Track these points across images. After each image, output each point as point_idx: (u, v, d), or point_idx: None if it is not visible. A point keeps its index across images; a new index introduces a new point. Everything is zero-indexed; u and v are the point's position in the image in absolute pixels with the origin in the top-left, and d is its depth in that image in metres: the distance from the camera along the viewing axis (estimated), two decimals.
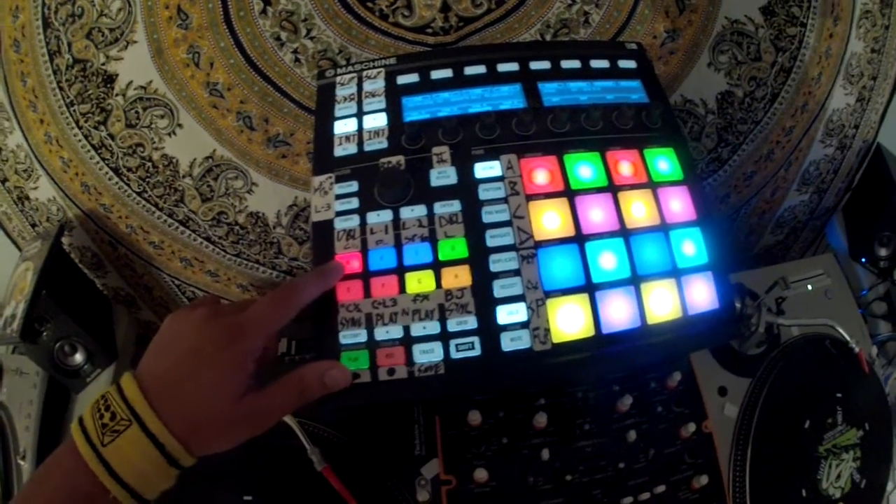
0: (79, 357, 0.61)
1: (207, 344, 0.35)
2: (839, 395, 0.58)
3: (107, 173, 0.63)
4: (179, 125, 0.60)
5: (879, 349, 0.65)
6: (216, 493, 0.48)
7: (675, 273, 0.44)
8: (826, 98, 0.66)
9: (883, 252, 0.67)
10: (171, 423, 0.33)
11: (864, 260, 0.68)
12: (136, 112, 0.61)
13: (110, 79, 0.61)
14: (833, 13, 0.64)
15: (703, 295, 0.44)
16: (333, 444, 0.50)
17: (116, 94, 0.61)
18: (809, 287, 0.63)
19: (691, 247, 0.45)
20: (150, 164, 0.62)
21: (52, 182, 0.65)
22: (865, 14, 0.66)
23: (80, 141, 0.63)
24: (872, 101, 0.69)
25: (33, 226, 0.70)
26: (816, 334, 0.60)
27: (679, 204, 0.47)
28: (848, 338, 0.56)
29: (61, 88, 0.62)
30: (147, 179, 0.63)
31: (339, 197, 0.45)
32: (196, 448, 0.34)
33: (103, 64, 0.60)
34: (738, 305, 0.57)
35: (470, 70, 0.49)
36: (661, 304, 0.43)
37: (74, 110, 0.62)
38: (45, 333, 0.59)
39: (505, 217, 0.43)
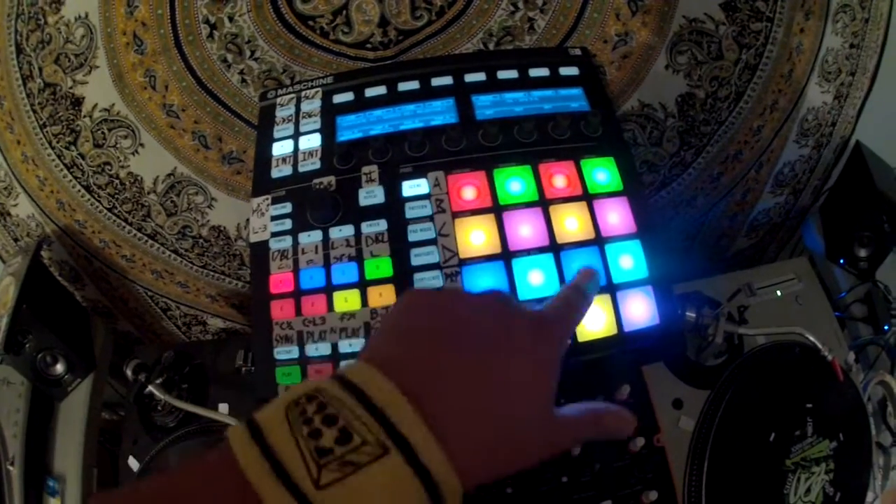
0: (59, 367, 0.64)
1: (516, 333, 0.25)
2: (809, 405, 0.56)
3: (79, 191, 0.66)
4: (142, 145, 0.62)
5: (858, 354, 0.62)
6: None
7: (610, 288, 0.43)
8: (800, 96, 0.63)
9: (863, 252, 0.64)
10: (456, 445, 0.20)
11: (842, 261, 0.65)
12: (103, 132, 0.63)
13: (78, 102, 0.63)
14: (804, 7, 0.61)
15: (641, 310, 0.43)
16: None
17: (84, 116, 0.63)
18: (778, 293, 0.60)
19: (629, 261, 0.44)
20: (117, 181, 0.64)
21: (30, 199, 0.69)
22: (843, 7, 0.62)
23: (53, 160, 0.66)
24: (850, 97, 0.65)
25: (16, 240, 0.73)
26: (785, 342, 0.57)
27: (617, 216, 0.46)
28: (819, 344, 0.54)
29: (34, 111, 0.65)
30: (116, 196, 0.65)
31: (274, 218, 0.46)
32: (472, 476, 0.21)
33: (71, 87, 0.63)
34: (692, 315, 0.56)
35: (404, 86, 0.49)
36: (593, 320, 0.42)
37: (47, 131, 0.65)
38: (27, 345, 0.62)
39: (430, 235, 0.43)
